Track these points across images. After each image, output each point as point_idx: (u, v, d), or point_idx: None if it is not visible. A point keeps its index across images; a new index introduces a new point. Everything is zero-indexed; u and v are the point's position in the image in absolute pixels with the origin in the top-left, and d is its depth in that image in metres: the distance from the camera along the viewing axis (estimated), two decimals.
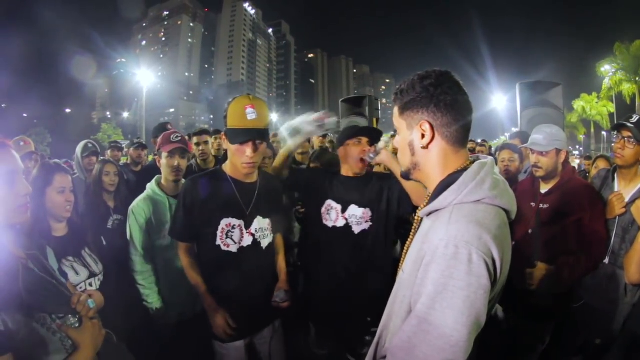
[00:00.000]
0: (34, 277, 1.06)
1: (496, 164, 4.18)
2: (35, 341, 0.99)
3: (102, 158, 3.13)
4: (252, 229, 1.82)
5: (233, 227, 1.77)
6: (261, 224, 1.85)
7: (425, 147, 1.00)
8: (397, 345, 0.90)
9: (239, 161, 1.74)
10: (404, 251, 1.14)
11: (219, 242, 1.75)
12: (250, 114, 1.67)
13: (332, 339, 2.21)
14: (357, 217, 2.11)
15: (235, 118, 1.70)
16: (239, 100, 1.72)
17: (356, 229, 2.10)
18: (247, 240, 1.80)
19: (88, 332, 1.10)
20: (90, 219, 2.28)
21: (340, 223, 2.12)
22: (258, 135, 1.70)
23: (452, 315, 0.81)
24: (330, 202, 2.15)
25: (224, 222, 1.76)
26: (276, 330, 1.96)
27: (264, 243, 1.86)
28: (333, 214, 2.13)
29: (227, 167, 1.84)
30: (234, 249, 1.77)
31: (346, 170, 2.19)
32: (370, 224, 2.10)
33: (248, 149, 1.70)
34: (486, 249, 0.84)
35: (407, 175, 1.09)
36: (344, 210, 2.12)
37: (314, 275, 2.25)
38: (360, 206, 2.11)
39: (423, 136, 0.99)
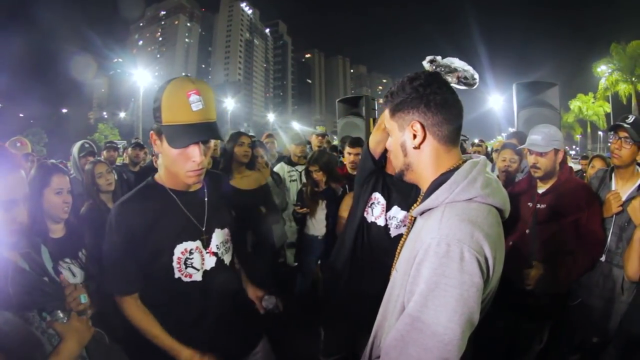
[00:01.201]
0: (23, 275, 1.06)
1: (491, 162, 4.21)
2: (25, 341, 0.99)
3: (91, 159, 3.08)
4: (213, 247, 1.46)
5: (191, 252, 1.39)
6: (220, 237, 1.50)
7: (417, 147, 1.00)
8: (390, 343, 0.90)
9: (183, 169, 1.31)
10: (398, 250, 1.15)
11: (178, 274, 1.37)
12: (196, 104, 1.23)
13: (342, 346, 2.12)
14: (398, 219, 2.02)
15: (174, 110, 1.24)
16: (177, 85, 1.26)
17: (393, 232, 2.02)
18: (210, 262, 1.45)
19: (74, 326, 1.09)
20: (90, 221, 2.27)
21: (381, 222, 2.03)
22: (208, 132, 1.28)
23: (445, 314, 0.81)
24: (376, 195, 2.05)
25: (179, 250, 1.37)
26: (265, 346, 1.69)
27: (227, 258, 1.54)
28: (377, 209, 2.04)
29: (161, 177, 1.42)
30: (198, 277, 1.41)
31: (391, 170, 2.06)
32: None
33: (196, 153, 1.28)
34: (478, 247, 0.84)
35: (400, 177, 1.09)
36: (388, 209, 2.03)
37: (339, 271, 2.12)
38: (402, 209, 2.02)
39: (415, 136, 1.00)
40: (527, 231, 2.21)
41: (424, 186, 1.04)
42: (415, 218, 1.09)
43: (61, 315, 1.09)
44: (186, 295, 1.40)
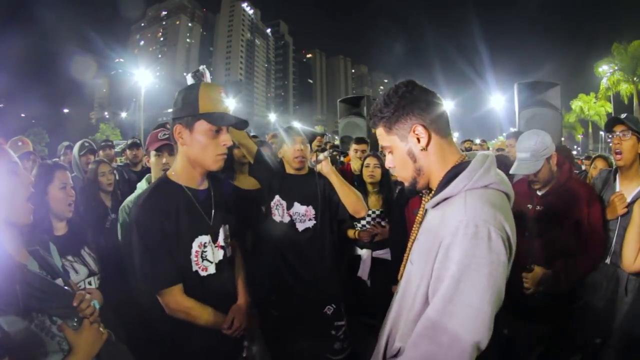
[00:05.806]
0: (32, 277, 1.04)
1: None
2: (32, 344, 0.97)
3: (96, 159, 3.12)
4: (220, 241, 1.56)
5: (205, 246, 1.48)
6: (225, 232, 1.60)
7: (425, 149, 1.03)
8: (420, 333, 0.90)
9: (214, 153, 1.43)
10: (409, 245, 1.16)
11: (195, 267, 1.45)
12: (225, 100, 1.46)
13: (295, 334, 2.20)
14: (300, 214, 2.19)
15: (213, 102, 1.42)
16: (209, 85, 1.48)
17: (299, 227, 2.19)
18: (219, 255, 1.54)
19: (85, 335, 1.07)
20: (88, 219, 2.29)
21: (286, 219, 2.20)
22: (238, 119, 1.48)
23: (477, 294, 0.84)
24: (278, 198, 2.23)
25: (197, 243, 1.46)
26: (260, 345, 1.81)
27: (229, 252, 1.63)
28: (280, 210, 2.21)
29: (176, 174, 1.49)
30: (212, 269, 1.50)
31: (289, 169, 2.29)
32: (314, 222, 2.18)
33: (227, 137, 1.44)
34: (501, 227, 0.89)
35: (413, 187, 1.10)
36: (289, 208, 2.20)
37: (265, 268, 2.28)
38: (302, 204, 2.19)
39: (419, 140, 1.03)
40: (526, 234, 2.16)
41: (434, 183, 1.06)
42: (426, 211, 1.12)
43: (72, 322, 1.08)
44: (203, 290, 1.46)
